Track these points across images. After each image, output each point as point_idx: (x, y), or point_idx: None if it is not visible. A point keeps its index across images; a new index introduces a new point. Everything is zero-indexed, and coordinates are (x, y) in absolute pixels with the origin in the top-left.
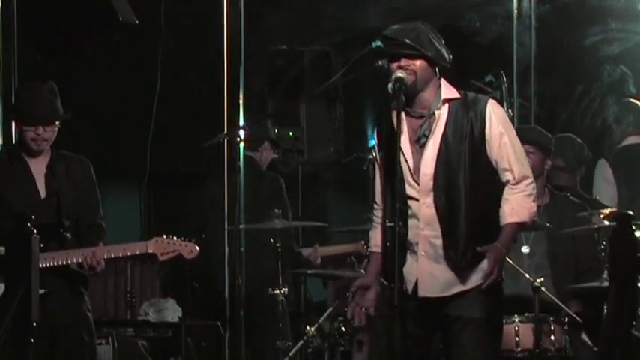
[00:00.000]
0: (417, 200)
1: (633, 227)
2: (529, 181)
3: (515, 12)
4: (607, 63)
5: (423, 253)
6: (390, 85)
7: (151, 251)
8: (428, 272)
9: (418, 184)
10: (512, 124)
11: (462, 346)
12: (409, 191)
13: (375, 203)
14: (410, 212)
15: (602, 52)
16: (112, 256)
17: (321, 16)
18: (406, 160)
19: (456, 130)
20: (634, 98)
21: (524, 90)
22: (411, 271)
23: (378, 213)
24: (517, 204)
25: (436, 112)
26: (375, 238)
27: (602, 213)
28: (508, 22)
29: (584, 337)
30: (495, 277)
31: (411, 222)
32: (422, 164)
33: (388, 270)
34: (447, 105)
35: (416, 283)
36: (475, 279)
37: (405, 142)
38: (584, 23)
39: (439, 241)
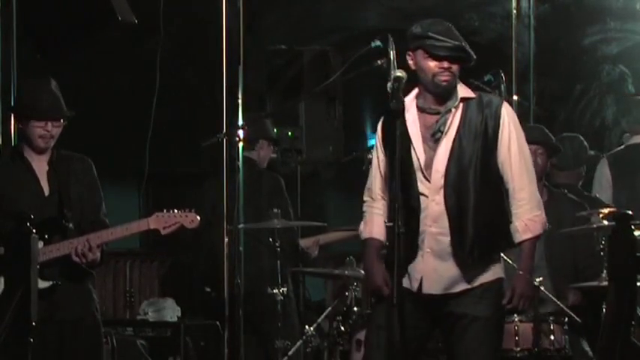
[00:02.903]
0: (426, 197)
1: (632, 227)
2: (532, 189)
3: (514, 12)
4: (606, 62)
5: (429, 250)
6: (389, 85)
7: (152, 227)
8: (432, 269)
9: (429, 181)
10: None
11: (467, 343)
12: (419, 187)
13: (370, 197)
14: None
15: (600, 52)
16: (116, 237)
17: (320, 15)
18: (418, 157)
19: (470, 128)
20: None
21: (523, 89)
22: (416, 267)
23: (377, 204)
24: (528, 219)
25: (452, 109)
26: (373, 226)
27: (602, 212)
28: (507, 21)
29: (585, 346)
30: (515, 306)
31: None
32: (435, 161)
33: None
34: (462, 103)
35: (421, 280)
36: (480, 278)
37: (418, 139)
38: (583, 23)
39: (445, 239)
